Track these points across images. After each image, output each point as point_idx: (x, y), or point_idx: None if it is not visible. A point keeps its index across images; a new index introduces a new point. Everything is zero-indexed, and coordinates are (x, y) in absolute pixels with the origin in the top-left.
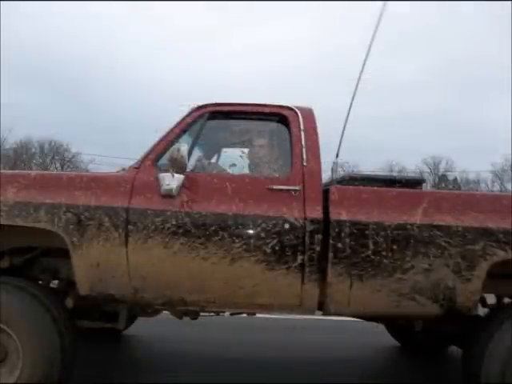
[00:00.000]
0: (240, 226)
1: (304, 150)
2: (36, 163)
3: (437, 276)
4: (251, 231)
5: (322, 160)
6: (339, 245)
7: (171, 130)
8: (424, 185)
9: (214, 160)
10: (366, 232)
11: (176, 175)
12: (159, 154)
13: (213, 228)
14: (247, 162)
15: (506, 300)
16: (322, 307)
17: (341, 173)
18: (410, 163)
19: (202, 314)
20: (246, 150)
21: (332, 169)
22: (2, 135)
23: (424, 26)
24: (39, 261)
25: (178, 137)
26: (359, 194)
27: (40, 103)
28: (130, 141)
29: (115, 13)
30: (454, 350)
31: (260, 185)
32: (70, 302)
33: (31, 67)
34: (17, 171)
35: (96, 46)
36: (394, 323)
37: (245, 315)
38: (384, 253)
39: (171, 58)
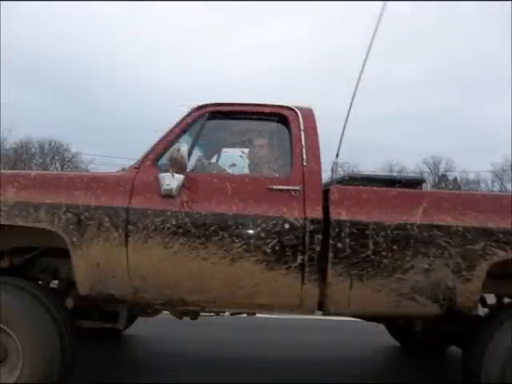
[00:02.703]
0: (240, 226)
1: (304, 149)
2: (36, 163)
3: (437, 276)
4: (251, 231)
5: (322, 160)
6: (339, 245)
7: (171, 130)
8: (424, 185)
9: (214, 160)
10: (366, 232)
11: (176, 175)
12: (159, 154)
13: (213, 228)
14: (247, 161)
15: (506, 300)
16: (322, 307)
17: (341, 173)
18: (410, 163)
19: (202, 313)
20: (246, 150)
21: (332, 169)
22: (2, 135)
23: (424, 26)
24: (39, 261)
25: (178, 137)
26: (359, 194)
27: (40, 103)
28: (130, 141)
29: (115, 13)
30: (454, 350)
31: (260, 185)
32: (70, 302)
33: (31, 67)
34: (17, 171)
35: (96, 46)
36: (394, 323)
37: (245, 315)
38: (384, 253)
39: (171, 58)
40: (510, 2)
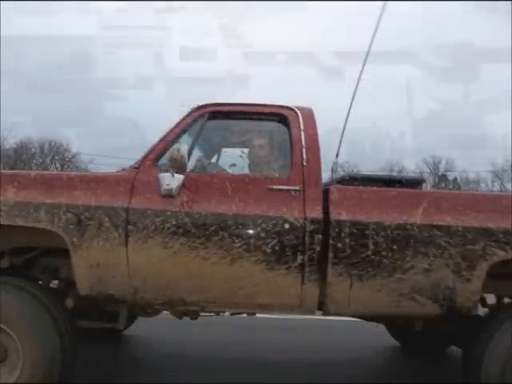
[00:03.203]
0: (240, 226)
1: (304, 150)
2: (36, 163)
3: (437, 276)
4: (251, 231)
5: (322, 160)
6: (339, 245)
7: (171, 130)
8: (424, 185)
9: (214, 160)
10: (366, 232)
11: (176, 175)
12: (159, 154)
13: (213, 228)
14: (247, 161)
15: (506, 300)
16: (322, 307)
17: (341, 173)
18: (410, 163)
19: (202, 313)
20: (245, 150)
21: (332, 169)
22: (2, 135)
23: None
24: (39, 261)
25: (178, 137)
26: (359, 194)
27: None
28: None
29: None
30: (454, 350)
31: (260, 185)
32: (70, 302)
33: None
34: (17, 171)
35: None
36: (394, 323)
37: (245, 315)
38: (384, 253)
39: None
40: (510, 2)
